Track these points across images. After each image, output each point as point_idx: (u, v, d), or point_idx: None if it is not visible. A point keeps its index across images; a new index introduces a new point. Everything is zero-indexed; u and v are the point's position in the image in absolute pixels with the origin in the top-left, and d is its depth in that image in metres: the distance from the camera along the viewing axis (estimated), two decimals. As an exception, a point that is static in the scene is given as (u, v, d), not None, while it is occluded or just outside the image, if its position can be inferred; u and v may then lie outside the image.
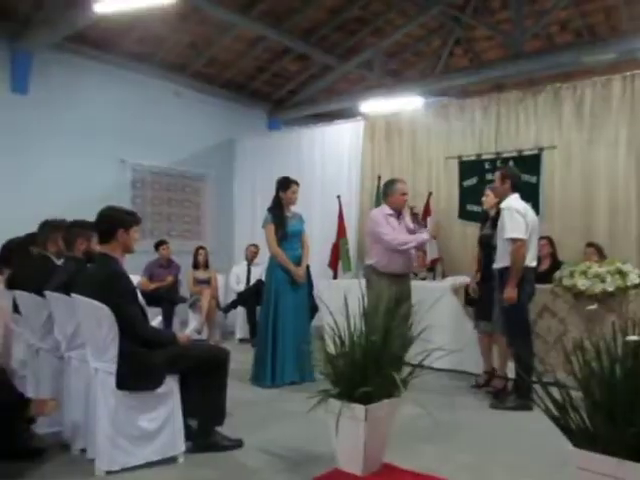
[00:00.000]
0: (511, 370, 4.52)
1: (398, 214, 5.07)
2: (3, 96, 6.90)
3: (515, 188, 4.44)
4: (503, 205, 4.37)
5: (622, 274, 4.70)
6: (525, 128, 6.73)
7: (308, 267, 5.54)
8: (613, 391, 2.10)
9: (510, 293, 4.18)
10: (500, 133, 6.91)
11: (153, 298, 6.77)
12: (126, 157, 8.04)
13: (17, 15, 6.76)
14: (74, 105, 7.48)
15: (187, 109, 8.76)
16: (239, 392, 4.27)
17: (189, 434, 3.21)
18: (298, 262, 5.17)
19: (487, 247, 4.77)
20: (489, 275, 4.60)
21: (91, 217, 3.55)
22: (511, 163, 6.61)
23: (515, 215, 4.23)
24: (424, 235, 5.05)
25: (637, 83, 6.02)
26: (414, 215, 5.18)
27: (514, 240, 4.19)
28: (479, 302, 4.94)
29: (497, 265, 4.39)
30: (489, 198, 4.92)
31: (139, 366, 2.95)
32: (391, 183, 5.19)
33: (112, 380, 2.89)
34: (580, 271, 4.84)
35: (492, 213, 4.88)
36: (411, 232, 5.08)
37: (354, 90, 9.62)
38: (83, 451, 3.15)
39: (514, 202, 4.34)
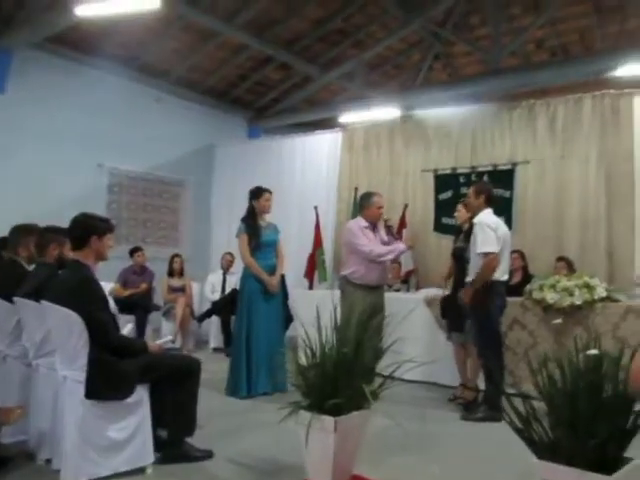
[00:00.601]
0: (483, 382, 4.58)
1: (373, 227, 5.12)
2: (-21, 96, 6.81)
3: (489, 202, 4.52)
4: (476, 220, 4.44)
5: (590, 288, 4.81)
6: (500, 143, 6.86)
7: (283, 277, 5.54)
8: (575, 404, 2.15)
9: (466, 293, 4.32)
10: (475, 148, 7.03)
11: (126, 305, 6.73)
12: (103, 161, 7.98)
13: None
14: (52, 106, 7.40)
15: (168, 114, 8.73)
16: (210, 402, 4.24)
17: (159, 444, 3.17)
18: (272, 272, 5.16)
19: (460, 260, 4.84)
20: (462, 287, 4.66)
21: (66, 220, 3.53)
22: (486, 177, 6.73)
23: (486, 229, 4.30)
24: (401, 246, 5.11)
25: (607, 102, 6.20)
26: (388, 227, 5.22)
27: (486, 254, 4.26)
28: (452, 313, 5.00)
29: (470, 278, 4.46)
30: (461, 213, 5.00)
31: (109, 375, 2.92)
32: (367, 196, 5.24)
33: (81, 389, 2.85)
34: (549, 285, 4.94)
35: (465, 227, 4.95)
36: (385, 245, 5.12)
37: (335, 100, 9.70)
38: (49, 461, 3.09)
39: (486, 217, 4.41)
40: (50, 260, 3.63)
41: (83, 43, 7.46)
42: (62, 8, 6.13)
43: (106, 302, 3.13)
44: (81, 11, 5.90)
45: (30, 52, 7.13)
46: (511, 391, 3.07)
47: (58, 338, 3.03)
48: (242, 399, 4.86)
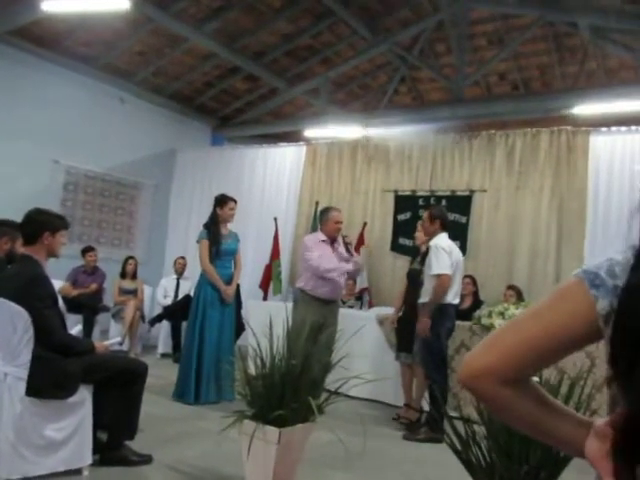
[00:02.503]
0: (427, 403, 4.65)
1: (332, 241, 5.17)
2: None
3: (444, 227, 4.64)
4: (431, 243, 4.55)
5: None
6: (459, 170, 7.05)
7: (238, 286, 5.54)
8: (511, 430, 2.23)
9: (422, 324, 4.36)
10: (435, 172, 7.21)
11: (74, 305, 6.59)
12: (60, 158, 7.81)
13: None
14: (10, 99, 7.24)
15: (130, 116, 8.63)
16: (154, 407, 4.19)
17: (97, 446, 3.12)
18: (229, 281, 5.16)
19: (414, 282, 4.93)
20: (413, 308, 4.75)
21: (17, 216, 3.46)
22: (444, 202, 6.90)
23: (441, 252, 4.41)
24: (348, 266, 5.14)
25: (563, 137, 6.46)
26: (346, 244, 5.28)
27: (439, 276, 4.37)
28: (401, 334, 5.08)
29: (422, 300, 4.54)
30: (420, 234, 5.10)
31: (52, 373, 2.86)
32: (326, 211, 5.30)
33: (22, 386, 2.80)
34: (498, 312, 5.08)
35: (423, 249, 5.04)
36: (344, 260, 5.18)
37: (299, 115, 9.78)
38: (-18, 457, 3.01)
39: (441, 240, 4.52)
40: (0, 254, 3.54)
41: (45, 38, 7.33)
42: (27, 2, 6.03)
43: (55, 300, 3.08)
44: (48, 6, 5.82)
45: (-11, 44, 6.98)
46: (454, 414, 3.14)
47: (1, 333, 2.95)
48: (188, 405, 4.81)
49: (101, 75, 8.22)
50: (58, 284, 6.21)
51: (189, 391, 4.90)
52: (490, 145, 6.89)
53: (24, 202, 3.76)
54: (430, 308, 4.36)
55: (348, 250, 5.23)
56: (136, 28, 7.35)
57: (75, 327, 3.51)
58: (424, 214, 4.80)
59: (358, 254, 6.90)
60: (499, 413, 0.86)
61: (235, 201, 5.26)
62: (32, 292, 2.91)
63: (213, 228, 5.13)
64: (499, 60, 7.82)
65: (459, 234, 6.42)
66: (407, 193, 7.37)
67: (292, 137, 9.31)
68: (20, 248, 3.35)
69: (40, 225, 3.07)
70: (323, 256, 5.04)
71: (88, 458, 3.02)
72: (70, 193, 8.12)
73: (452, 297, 4.48)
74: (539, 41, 7.62)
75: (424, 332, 4.35)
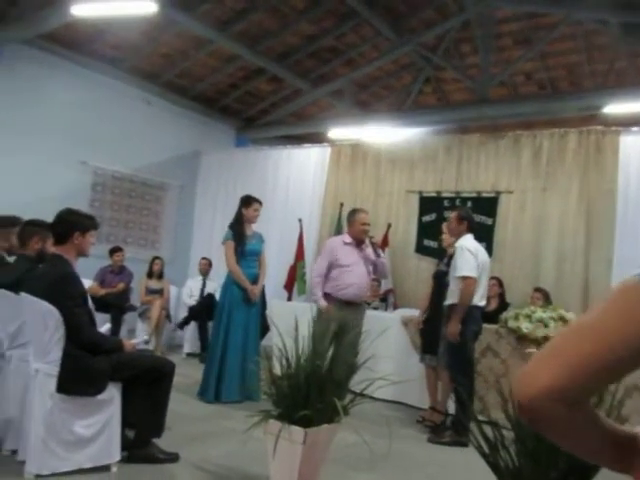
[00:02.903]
0: (452, 406, 4.61)
1: (358, 243, 5.14)
2: (-33, 86, 6.77)
3: (470, 229, 4.59)
4: (457, 244, 4.50)
5: (564, 321, 4.87)
6: (485, 171, 6.98)
7: (263, 287, 5.56)
8: (540, 434, 2.19)
9: (452, 328, 4.30)
10: (460, 173, 7.14)
11: (102, 304, 6.67)
12: (88, 159, 7.94)
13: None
14: (40, 102, 7.38)
15: (156, 118, 8.73)
16: (180, 406, 4.23)
17: (125, 444, 3.16)
18: (254, 281, 5.19)
19: (440, 283, 4.89)
20: (438, 310, 4.72)
21: (48, 216, 3.53)
22: (469, 203, 6.84)
23: (467, 254, 4.36)
24: (321, 302, 4.96)
25: (592, 138, 6.34)
26: (373, 244, 5.24)
27: (464, 278, 4.32)
28: (427, 335, 5.04)
29: (447, 301, 4.50)
30: (447, 236, 5.06)
31: (82, 371, 2.91)
32: (353, 212, 5.29)
33: (52, 382, 2.84)
34: (525, 314, 4.99)
35: (450, 251, 5.00)
36: (371, 263, 5.16)
37: (323, 116, 9.79)
38: (14, 452, 3.07)
39: (467, 242, 4.47)
40: (31, 253, 3.61)
41: (74, 41, 7.46)
42: (57, 7, 6.15)
43: (85, 298, 3.12)
44: (77, 10, 5.91)
45: (20, 47, 7.10)
46: (480, 417, 3.11)
47: (33, 331, 3.01)
48: (209, 403, 4.86)
49: (127, 77, 8.33)
50: (86, 283, 6.30)
51: (209, 389, 4.95)
52: (516, 146, 6.81)
53: (53, 203, 3.83)
54: (460, 313, 4.30)
55: (376, 251, 5.20)
56: (161, 31, 7.43)
57: (104, 326, 3.56)
58: (451, 215, 4.75)
59: (381, 253, 6.90)
60: (563, 439, 0.75)
61: (260, 202, 5.29)
62: (62, 291, 2.96)
63: (238, 228, 5.18)
64: (525, 60, 7.73)
65: (485, 236, 6.36)
66: (432, 194, 7.32)
67: (316, 138, 9.33)
68: (51, 248, 3.42)
69: (71, 225, 3.12)
70: (347, 257, 5.03)
71: (116, 455, 3.05)
72: (98, 194, 8.25)
73: (478, 299, 4.43)
74: (567, 40, 7.51)
75: (454, 336, 4.30)
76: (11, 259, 3.77)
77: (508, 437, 2.36)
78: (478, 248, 4.50)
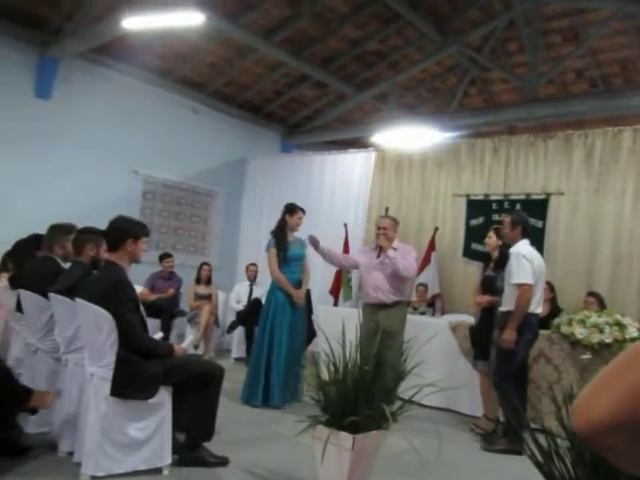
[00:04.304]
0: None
1: (377, 246, 5.17)
2: (27, 100, 7.06)
3: (525, 234, 4.45)
4: (512, 250, 4.37)
5: (621, 326, 4.69)
6: (534, 172, 6.81)
7: (308, 291, 5.59)
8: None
9: (508, 336, 4.18)
10: (509, 175, 6.99)
11: (153, 309, 6.81)
12: (139, 168, 8.16)
13: (48, 25, 6.97)
14: (93, 113, 7.63)
15: (203, 126, 8.90)
16: (229, 410, 4.27)
17: (176, 447, 3.22)
18: (297, 285, 5.27)
19: (490, 289, 4.78)
20: (490, 316, 4.61)
21: (100, 224, 3.64)
22: (518, 206, 6.68)
23: (522, 260, 4.23)
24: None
25: (648, 136, 6.12)
26: (380, 248, 5.17)
27: (520, 285, 4.20)
28: (480, 341, 4.92)
29: (502, 308, 4.39)
30: (492, 240, 4.95)
31: (135, 375, 2.98)
32: (377, 218, 5.42)
33: (106, 386, 2.92)
34: (578, 320, 4.83)
35: (495, 255, 4.90)
36: (377, 268, 5.11)
37: (368, 120, 9.76)
38: (70, 454, 3.17)
39: (522, 247, 4.34)
40: (85, 260, 3.73)
41: (124, 54, 7.68)
42: (109, 21, 6.36)
43: (137, 304, 3.20)
44: (128, 24, 6.09)
45: (74, 61, 7.38)
46: (532, 425, 3.03)
47: (88, 335, 3.11)
48: (257, 408, 4.90)
49: (176, 87, 8.53)
50: (137, 289, 6.46)
51: (256, 394, 4.99)
52: (567, 146, 6.62)
53: (106, 211, 3.94)
54: (516, 321, 4.18)
55: (378, 255, 5.15)
56: (208, 41, 7.58)
57: (157, 334, 3.65)
58: (505, 219, 4.60)
59: (429, 260, 6.86)
60: (624, 465, 0.69)
61: (304, 211, 5.40)
62: (116, 297, 3.03)
63: (280, 235, 5.27)
64: (575, 57, 7.53)
65: (535, 239, 6.13)
66: (479, 197, 7.19)
67: (360, 142, 9.32)
68: (104, 254, 3.52)
69: (124, 232, 3.20)
70: (360, 256, 5.28)
71: (168, 458, 3.11)
72: (149, 201, 8.46)
73: (534, 306, 4.30)
74: (619, 35, 7.26)
75: (510, 344, 4.18)
76: (66, 266, 3.91)
77: (562, 446, 2.28)
78: (534, 254, 4.36)
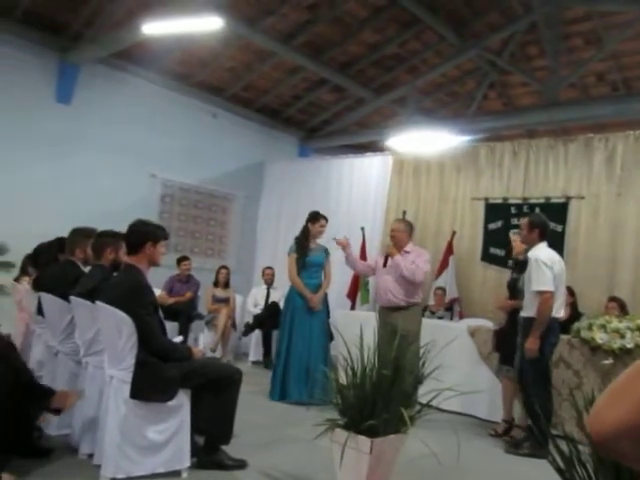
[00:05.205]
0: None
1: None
2: (48, 105, 7.16)
3: (543, 237, 4.39)
4: (530, 255, 4.31)
5: (643, 332, 4.62)
6: (554, 176, 6.75)
7: (326, 295, 5.63)
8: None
9: (531, 344, 4.14)
10: (528, 179, 6.93)
11: (170, 312, 6.86)
12: (157, 172, 8.23)
13: (69, 31, 7.06)
14: (113, 118, 7.72)
15: (221, 130, 8.96)
16: (247, 414, 4.27)
17: (194, 450, 3.23)
18: (315, 290, 5.44)
19: (514, 292, 4.73)
20: (515, 320, 4.56)
21: (119, 227, 3.68)
22: (537, 210, 6.61)
23: (541, 267, 4.16)
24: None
25: (670, 140, 6.03)
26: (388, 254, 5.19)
27: (541, 292, 4.15)
28: (505, 346, 4.84)
29: (523, 313, 4.35)
30: (517, 243, 4.90)
31: (154, 377, 3.00)
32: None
33: (126, 388, 2.94)
34: (599, 324, 4.77)
35: (521, 258, 4.83)
36: (388, 271, 5.14)
37: (386, 124, 9.75)
38: (90, 456, 3.20)
39: (541, 252, 4.27)
40: (105, 263, 3.77)
41: (144, 59, 7.76)
42: (129, 26, 6.43)
43: (156, 307, 3.23)
44: (148, 29, 6.16)
45: (95, 66, 7.47)
46: (553, 431, 2.98)
47: (108, 338, 3.13)
48: (274, 402, 5.15)
49: (194, 92, 8.60)
50: (155, 292, 6.53)
51: (275, 389, 5.27)
52: (588, 149, 6.54)
53: (125, 214, 3.98)
54: (539, 329, 4.13)
55: (385, 260, 5.21)
56: (226, 45, 7.63)
57: (177, 337, 3.68)
58: (523, 221, 4.55)
59: (446, 264, 6.82)
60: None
61: (326, 219, 5.57)
62: (135, 300, 3.06)
63: (302, 241, 5.47)
64: (597, 60, 7.45)
65: (555, 243, 6.08)
66: (498, 201, 7.13)
67: (377, 147, 9.30)
68: (124, 256, 3.56)
69: (143, 236, 3.23)
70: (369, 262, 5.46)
71: (187, 460, 3.12)
72: (167, 205, 8.53)
73: (556, 310, 4.24)
74: (641, 38, 7.18)
75: (533, 353, 4.14)
76: (86, 269, 3.95)
77: (584, 452, 2.25)
78: (553, 258, 4.28)
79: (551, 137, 7.22)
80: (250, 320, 7.65)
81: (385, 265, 5.20)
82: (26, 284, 5.24)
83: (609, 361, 4.55)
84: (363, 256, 7.60)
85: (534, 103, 8.71)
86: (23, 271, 5.77)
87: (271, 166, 9.53)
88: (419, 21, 7.31)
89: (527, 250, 4.47)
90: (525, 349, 4.19)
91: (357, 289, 7.56)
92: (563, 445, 2.27)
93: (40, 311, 4.09)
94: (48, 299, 3.88)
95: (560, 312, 4.33)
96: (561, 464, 2.23)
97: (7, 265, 6.51)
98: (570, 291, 5.89)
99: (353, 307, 7.47)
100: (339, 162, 8.75)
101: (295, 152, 10.34)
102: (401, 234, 5.19)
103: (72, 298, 3.55)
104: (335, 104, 9.57)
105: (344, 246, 5.35)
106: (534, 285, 4.17)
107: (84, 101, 7.45)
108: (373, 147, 9.42)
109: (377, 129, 9.73)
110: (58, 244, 4.48)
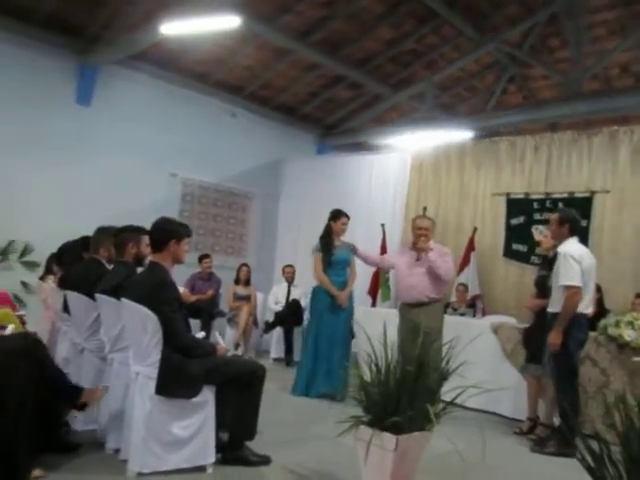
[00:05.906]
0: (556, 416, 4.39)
1: (416, 248, 5.14)
2: (68, 106, 7.25)
3: (573, 232, 4.31)
4: (559, 249, 4.25)
5: (672, 329, 4.53)
6: (577, 170, 6.66)
7: (351, 293, 5.64)
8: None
9: (554, 339, 4.08)
10: (550, 174, 6.85)
11: (193, 310, 6.90)
12: (177, 171, 8.29)
13: (87, 33, 7.13)
14: (132, 118, 7.78)
15: (240, 128, 8.98)
16: (271, 410, 4.27)
17: (219, 446, 3.24)
18: (342, 288, 5.50)
19: (542, 289, 4.67)
20: (543, 318, 4.50)
21: (141, 225, 3.71)
22: (561, 204, 6.52)
23: (570, 261, 4.10)
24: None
25: (697, 131, 5.90)
26: (417, 249, 5.12)
27: (568, 287, 4.09)
28: (533, 344, 4.76)
29: (551, 309, 4.28)
30: (545, 240, 4.83)
31: (179, 374, 3.01)
32: (414, 219, 5.38)
33: (151, 385, 2.96)
34: (627, 321, 4.67)
35: (550, 255, 4.76)
36: (416, 265, 5.11)
37: (404, 121, 9.67)
38: (116, 451, 3.23)
39: (570, 247, 4.21)
40: (128, 258, 3.79)
41: (162, 59, 7.81)
42: (147, 27, 6.47)
43: (180, 304, 3.24)
44: (166, 29, 6.19)
45: (113, 67, 7.54)
46: (580, 429, 2.94)
47: (133, 335, 3.16)
48: (299, 396, 5.27)
49: (213, 91, 8.63)
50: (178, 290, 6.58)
51: (300, 384, 5.36)
52: (612, 142, 6.44)
53: (146, 213, 4.01)
54: (562, 323, 4.08)
55: (418, 255, 5.15)
56: (244, 44, 7.64)
57: (199, 333, 3.69)
58: (552, 217, 4.47)
59: (468, 261, 6.76)
60: None
61: (348, 217, 5.59)
62: (160, 297, 3.07)
63: (326, 240, 5.52)
64: (621, 50, 7.31)
65: (579, 238, 6.03)
66: (520, 196, 7.06)
67: (395, 144, 9.22)
68: (146, 249, 3.59)
69: (167, 233, 3.25)
70: (396, 257, 5.41)
71: (211, 456, 3.13)
72: (187, 204, 8.58)
73: (584, 307, 4.17)
74: (667, 28, 7.03)
75: (555, 347, 4.09)
76: (109, 267, 3.98)
77: (614, 451, 2.21)
78: (583, 253, 4.22)
79: (574, 130, 7.10)
80: (271, 317, 7.67)
81: (418, 259, 5.13)
82: (51, 282, 5.32)
83: (638, 358, 4.46)
84: (384, 253, 7.57)
85: (556, 96, 8.58)
86: (48, 270, 5.85)
87: (290, 164, 9.54)
88: (436, 15, 7.24)
89: (556, 245, 4.40)
90: (548, 343, 4.14)
91: (378, 286, 7.53)
92: (590, 444, 2.23)
93: (66, 309, 4.14)
94: (74, 297, 3.92)
95: (589, 308, 4.25)
96: (591, 463, 2.19)
97: (32, 264, 6.62)
98: (597, 287, 5.79)
99: (374, 304, 7.44)
100: (357, 159, 8.73)
101: (313, 150, 10.33)
102: (429, 232, 5.15)
103: (97, 295, 3.57)
104: (352, 101, 9.54)
105: (355, 251, 5.56)
106: (562, 279, 4.11)
107: (104, 102, 7.52)
108: (392, 144, 9.36)
109: (395, 125, 9.65)
110: (83, 243, 4.52)
